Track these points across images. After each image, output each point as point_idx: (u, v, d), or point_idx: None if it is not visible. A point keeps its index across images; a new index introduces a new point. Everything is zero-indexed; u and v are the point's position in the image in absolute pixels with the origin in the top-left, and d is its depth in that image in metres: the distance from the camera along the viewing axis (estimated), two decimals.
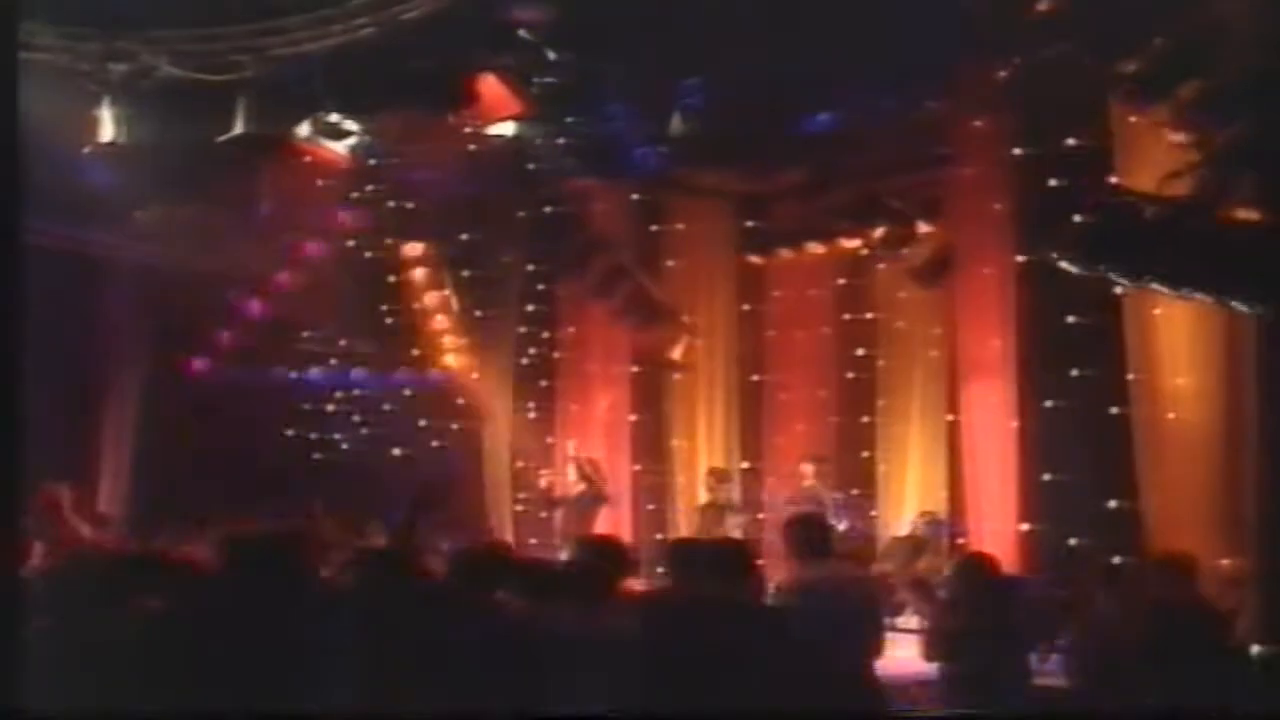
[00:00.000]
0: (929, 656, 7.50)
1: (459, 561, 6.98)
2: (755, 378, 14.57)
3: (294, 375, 15.19)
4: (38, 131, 10.84)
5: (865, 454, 13.86)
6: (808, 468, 13.28)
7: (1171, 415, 10.87)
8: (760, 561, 8.48)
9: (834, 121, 12.55)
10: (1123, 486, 11.11)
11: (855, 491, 13.61)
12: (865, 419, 13.92)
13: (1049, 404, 11.65)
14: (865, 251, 13.38)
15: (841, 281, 14.16)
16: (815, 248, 13.66)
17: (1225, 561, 10.45)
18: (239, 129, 10.14)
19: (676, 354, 14.35)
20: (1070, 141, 11.21)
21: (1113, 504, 11.19)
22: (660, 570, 10.15)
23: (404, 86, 10.18)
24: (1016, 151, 11.71)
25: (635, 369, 14.76)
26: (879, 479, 13.68)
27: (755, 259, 14.28)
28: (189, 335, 14.77)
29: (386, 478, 14.51)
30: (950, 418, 12.97)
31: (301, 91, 10.22)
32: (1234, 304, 9.61)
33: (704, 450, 14.40)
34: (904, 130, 12.28)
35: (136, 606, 6.19)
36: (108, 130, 10.28)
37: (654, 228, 14.71)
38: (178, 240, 12.99)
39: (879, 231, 12.63)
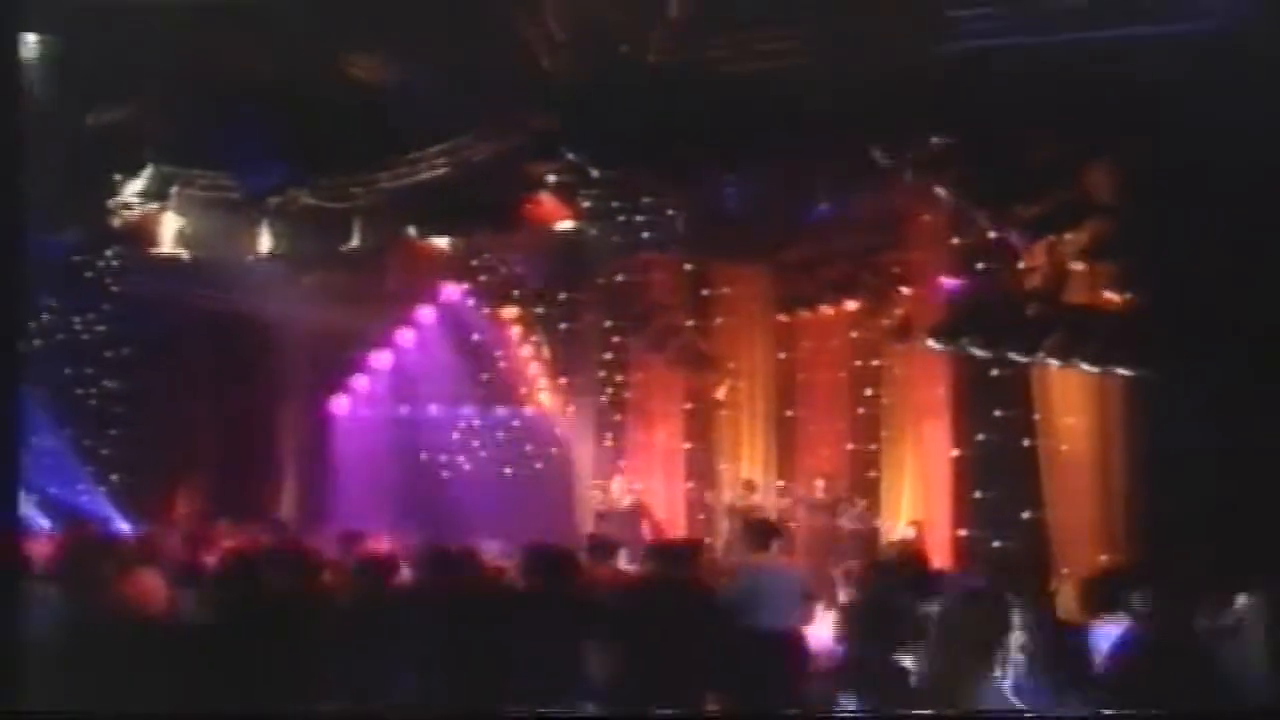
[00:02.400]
0: None
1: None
2: (789, 412, 17.99)
3: (419, 411, 19.18)
4: (222, 244, 15.04)
5: (872, 473, 17.15)
6: (819, 483, 16.73)
7: (1064, 447, 14.05)
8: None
9: (827, 212, 15.97)
10: (1033, 501, 14.31)
11: (864, 502, 16.99)
12: (873, 445, 17.17)
13: (980, 437, 14.87)
14: (860, 313, 16.73)
15: (854, 335, 17.50)
16: (825, 309, 17.16)
17: (1103, 557, 13.63)
18: (355, 242, 14.09)
19: (720, 394, 17.87)
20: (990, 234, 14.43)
21: (1026, 514, 14.37)
22: None
23: (474, 210, 13.97)
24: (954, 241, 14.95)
25: (689, 406, 18.23)
26: (882, 493, 17.01)
27: (784, 317, 17.79)
28: (333, 381, 18.94)
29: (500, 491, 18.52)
30: None
31: (400, 214, 14.10)
32: (1080, 366, 12.86)
33: (746, 471, 17.82)
34: (875, 221, 15.64)
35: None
36: (266, 243, 14.33)
37: (704, 292, 18.18)
38: (322, 311, 17.03)
39: (860, 298, 15.95)
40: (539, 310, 18.89)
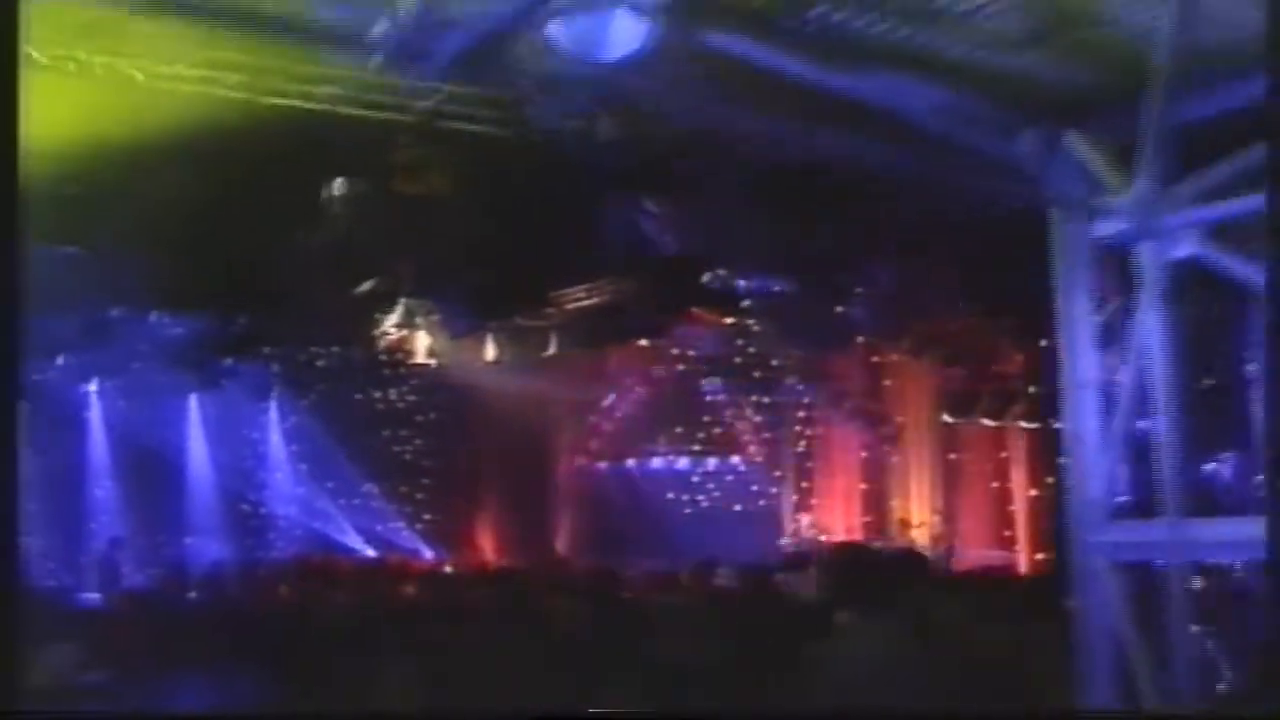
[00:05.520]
0: None
1: None
2: (951, 456, 21.85)
3: (644, 464, 24.10)
4: (459, 353, 20.42)
5: (1011, 508, 20.87)
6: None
7: None
8: None
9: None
10: None
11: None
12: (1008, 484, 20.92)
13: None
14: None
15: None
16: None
17: None
18: (552, 350, 19.21)
19: (890, 444, 21.92)
20: None
21: None
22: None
23: (625, 324, 18.81)
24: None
25: (864, 454, 22.38)
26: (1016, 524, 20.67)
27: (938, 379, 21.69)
28: (586, 442, 24.19)
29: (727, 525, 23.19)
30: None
31: (578, 328, 19.11)
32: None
33: (915, 507, 21.80)
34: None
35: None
36: (491, 353, 19.70)
37: (874, 359, 22.26)
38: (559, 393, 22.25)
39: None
40: (752, 377, 23.38)
